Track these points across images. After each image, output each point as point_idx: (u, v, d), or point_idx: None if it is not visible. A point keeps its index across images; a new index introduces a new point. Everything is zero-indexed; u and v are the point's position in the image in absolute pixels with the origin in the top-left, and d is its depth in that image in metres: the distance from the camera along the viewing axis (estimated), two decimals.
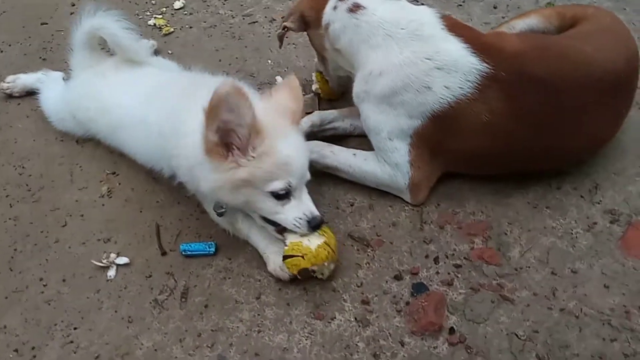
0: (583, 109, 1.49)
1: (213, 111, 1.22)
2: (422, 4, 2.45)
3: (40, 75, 2.16)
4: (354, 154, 1.67)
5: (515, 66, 1.47)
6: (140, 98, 1.65)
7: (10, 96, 2.19)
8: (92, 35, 1.85)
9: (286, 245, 1.40)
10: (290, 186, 1.35)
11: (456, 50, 1.49)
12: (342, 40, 1.61)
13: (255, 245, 1.55)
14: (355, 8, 1.58)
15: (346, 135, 1.87)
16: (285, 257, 1.40)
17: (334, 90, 1.96)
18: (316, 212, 1.40)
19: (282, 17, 1.74)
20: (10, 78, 2.18)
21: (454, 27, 1.54)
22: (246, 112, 1.24)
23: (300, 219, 1.38)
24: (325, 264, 1.39)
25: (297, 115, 1.46)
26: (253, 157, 1.30)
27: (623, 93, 1.58)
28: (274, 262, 1.47)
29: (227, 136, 1.27)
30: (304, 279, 1.44)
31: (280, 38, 1.82)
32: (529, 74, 1.46)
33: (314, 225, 1.38)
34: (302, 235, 1.39)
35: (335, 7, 1.61)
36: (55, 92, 2.02)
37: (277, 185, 1.33)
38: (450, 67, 1.48)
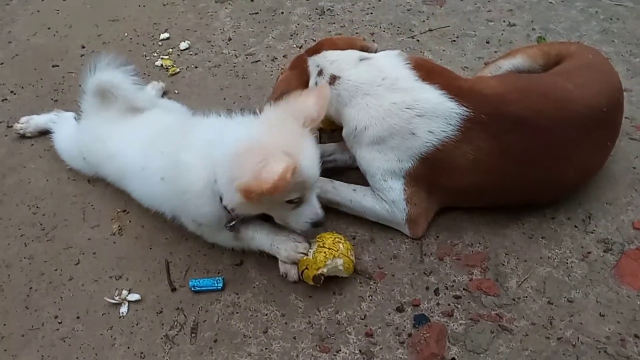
0: (567, 144, 1.56)
1: (270, 191, 1.28)
2: (418, 40, 2.58)
3: (53, 115, 2.26)
4: (354, 190, 1.74)
5: (495, 108, 1.54)
6: (142, 146, 1.72)
7: (23, 136, 2.28)
8: (101, 87, 1.91)
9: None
10: (304, 195, 1.49)
11: (434, 98, 1.58)
12: (329, 109, 1.69)
13: (260, 248, 1.63)
14: (332, 80, 1.70)
15: (346, 168, 1.95)
16: (300, 277, 1.58)
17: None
18: (320, 214, 1.52)
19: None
20: (23, 119, 2.28)
21: (428, 75, 1.63)
22: (288, 177, 1.30)
23: (306, 222, 1.53)
24: (329, 262, 1.50)
25: (315, 122, 1.50)
26: None
27: (607, 127, 1.65)
28: (284, 268, 1.59)
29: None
30: (324, 283, 1.56)
31: None
32: (511, 115, 1.53)
33: (316, 225, 1.54)
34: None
35: (316, 83, 1.73)
36: (67, 132, 2.11)
37: (293, 196, 1.46)
38: (430, 114, 1.57)
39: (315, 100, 1.51)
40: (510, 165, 1.57)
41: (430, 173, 1.61)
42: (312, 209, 1.53)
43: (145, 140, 1.74)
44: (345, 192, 1.74)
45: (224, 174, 1.42)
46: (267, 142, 1.38)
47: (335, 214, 1.79)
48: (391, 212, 1.65)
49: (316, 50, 1.81)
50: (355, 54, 1.76)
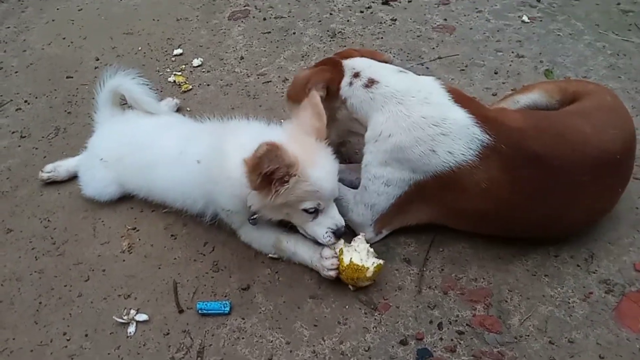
0: (578, 185, 1.59)
1: (255, 166, 1.44)
2: (427, 68, 2.62)
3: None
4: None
5: (515, 141, 1.59)
6: (178, 138, 1.87)
7: (35, 149, 2.32)
8: (114, 93, 2.11)
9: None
10: (319, 205, 1.58)
11: (461, 120, 1.62)
12: (359, 112, 1.76)
13: (301, 260, 1.73)
14: (370, 83, 1.73)
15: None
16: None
17: None
18: (340, 224, 1.64)
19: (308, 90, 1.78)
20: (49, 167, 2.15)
21: (460, 99, 1.68)
22: (282, 158, 1.45)
23: (326, 233, 1.63)
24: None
25: (321, 131, 1.63)
26: (289, 185, 1.50)
27: (619, 171, 1.68)
28: (323, 267, 1.66)
29: (269, 177, 1.47)
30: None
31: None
32: (527, 150, 1.57)
33: (338, 235, 1.64)
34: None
35: (351, 83, 1.76)
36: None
37: (308, 205, 1.58)
38: (454, 135, 1.61)
39: (311, 112, 1.63)
40: (519, 199, 1.60)
41: (438, 189, 1.65)
42: (331, 220, 1.62)
43: (185, 129, 1.94)
44: None
45: None
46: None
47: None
48: (362, 215, 1.75)
49: (348, 55, 1.86)
50: (393, 66, 1.81)
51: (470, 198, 1.63)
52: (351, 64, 1.80)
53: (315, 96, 1.66)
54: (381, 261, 1.62)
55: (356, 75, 1.76)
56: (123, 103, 2.20)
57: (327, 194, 1.60)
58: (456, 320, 1.59)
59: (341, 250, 1.62)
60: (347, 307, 1.64)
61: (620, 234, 1.80)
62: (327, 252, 1.64)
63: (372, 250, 1.64)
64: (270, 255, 1.79)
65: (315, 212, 1.61)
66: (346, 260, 1.60)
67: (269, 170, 1.45)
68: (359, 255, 1.60)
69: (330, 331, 1.59)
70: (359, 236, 1.67)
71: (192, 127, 1.97)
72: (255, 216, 1.70)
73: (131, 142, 1.97)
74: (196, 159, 1.74)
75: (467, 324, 1.58)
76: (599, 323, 1.56)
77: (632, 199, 1.90)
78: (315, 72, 1.84)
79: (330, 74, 1.80)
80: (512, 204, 1.61)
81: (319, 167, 1.56)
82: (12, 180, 2.20)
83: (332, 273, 1.63)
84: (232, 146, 1.63)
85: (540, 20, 2.97)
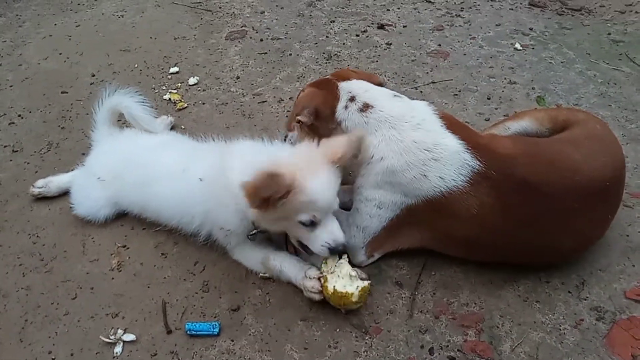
0: (568, 212, 1.61)
1: (255, 193, 1.46)
2: (421, 92, 2.65)
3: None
4: None
5: (505, 167, 1.61)
6: (179, 156, 1.88)
7: (27, 164, 2.30)
8: (113, 111, 2.11)
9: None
10: (315, 218, 1.56)
11: (453, 146, 1.64)
12: None
13: (287, 278, 1.72)
14: (365, 107, 1.74)
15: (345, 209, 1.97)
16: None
17: None
18: (339, 240, 1.60)
19: (296, 115, 1.84)
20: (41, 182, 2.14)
21: (452, 126, 1.70)
22: (279, 184, 1.46)
23: (323, 246, 1.60)
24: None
25: (338, 157, 1.60)
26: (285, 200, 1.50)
27: (609, 199, 1.70)
28: (305, 287, 1.66)
29: (267, 200, 1.47)
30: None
31: (292, 129, 1.93)
32: (518, 177, 1.59)
33: (333, 251, 1.61)
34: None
35: (346, 107, 1.77)
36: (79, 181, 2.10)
37: (303, 217, 1.56)
38: (445, 160, 1.62)
39: (346, 141, 1.62)
40: (510, 225, 1.61)
41: (429, 214, 1.66)
42: (329, 235, 1.59)
43: (185, 147, 1.97)
44: None
45: None
46: (284, 164, 1.52)
47: None
48: (354, 237, 1.75)
49: (345, 77, 1.86)
50: (388, 90, 1.83)
51: (461, 223, 1.64)
52: (347, 87, 1.81)
53: (360, 135, 1.65)
54: (366, 283, 1.60)
55: (352, 99, 1.78)
56: (118, 120, 2.20)
57: (322, 205, 1.57)
58: (447, 346, 1.58)
59: (325, 278, 1.60)
60: (337, 330, 1.63)
61: (611, 261, 1.81)
62: (311, 272, 1.64)
63: (354, 273, 1.60)
64: (261, 274, 1.78)
65: (311, 225, 1.58)
66: (330, 288, 1.58)
67: (268, 196, 1.45)
68: (342, 281, 1.58)
69: (321, 355, 1.57)
70: (340, 260, 1.64)
71: (192, 145, 1.97)
72: (254, 231, 1.70)
73: (130, 158, 1.96)
74: (198, 177, 1.74)
75: (458, 350, 1.57)
76: (590, 350, 1.56)
77: (622, 226, 1.91)
78: (304, 97, 1.87)
79: (320, 99, 1.82)
80: (502, 229, 1.62)
81: (316, 178, 1.55)
82: (2, 195, 2.18)
83: (315, 296, 1.62)
84: (236, 164, 1.65)
85: (533, 48, 3.03)
